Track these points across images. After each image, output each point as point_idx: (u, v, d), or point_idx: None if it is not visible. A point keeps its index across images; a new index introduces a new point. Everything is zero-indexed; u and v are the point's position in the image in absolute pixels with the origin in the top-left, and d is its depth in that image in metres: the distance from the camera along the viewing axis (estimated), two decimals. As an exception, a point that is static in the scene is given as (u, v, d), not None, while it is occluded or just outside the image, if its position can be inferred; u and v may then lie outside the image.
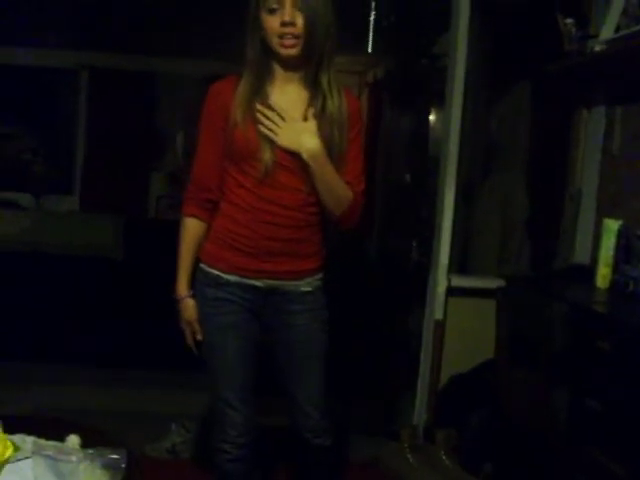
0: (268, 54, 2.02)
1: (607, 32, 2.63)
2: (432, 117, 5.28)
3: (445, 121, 3.37)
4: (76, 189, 6.37)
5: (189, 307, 2.14)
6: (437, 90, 3.75)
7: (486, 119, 3.84)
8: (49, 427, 1.84)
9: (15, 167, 6.27)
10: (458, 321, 3.27)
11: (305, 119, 2.02)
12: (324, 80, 2.02)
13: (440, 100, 3.59)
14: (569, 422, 2.22)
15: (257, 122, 2.00)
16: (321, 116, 2.01)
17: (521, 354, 2.61)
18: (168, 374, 3.96)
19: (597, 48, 2.65)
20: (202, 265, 2.13)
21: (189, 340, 2.15)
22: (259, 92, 2.03)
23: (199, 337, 2.13)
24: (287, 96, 2.05)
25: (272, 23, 1.96)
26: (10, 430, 1.70)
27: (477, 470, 2.85)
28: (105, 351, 4.41)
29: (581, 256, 3.02)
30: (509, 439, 2.64)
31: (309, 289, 2.13)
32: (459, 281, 3.29)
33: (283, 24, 1.94)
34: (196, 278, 2.14)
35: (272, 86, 2.05)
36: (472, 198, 3.75)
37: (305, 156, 1.98)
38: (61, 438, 1.74)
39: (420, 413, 3.36)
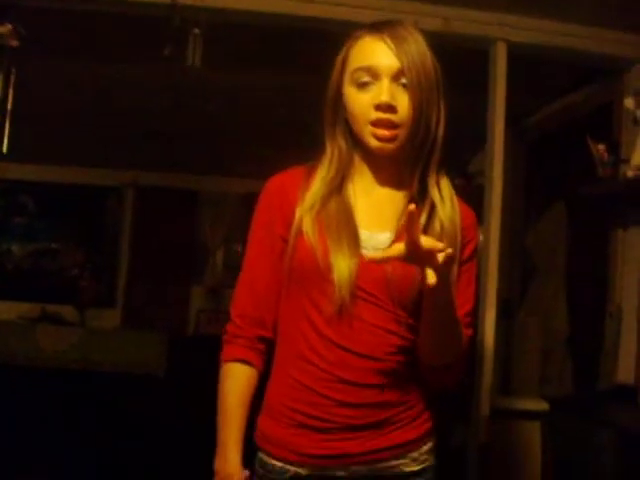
0: (352, 143, 1.48)
1: (638, 158, 2.72)
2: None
3: (484, 239, 3.41)
4: (118, 303, 6.50)
5: None
6: (473, 209, 3.83)
7: (523, 236, 3.90)
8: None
9: (61, 281, 6.42)
10: (503, 443, 3.22)
11: (396, 236, 1.41)
12: (431, 182, 1.45)
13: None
14: None
15: (329, 229, 1.41)
16: (426, 230, 1.42)
17: (569, 481, 2.57)
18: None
19: (629, 174, 2.73)
20: (259, 452, 1.48)
21: None
22: (337, 192, 1.45)
23: None
24: (375, 200, 1.48)
25: (362, 102, 1.40)
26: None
27: None
28: (156, 466, 4.40)
29: (624, 375, 2.99)
30: None
31: (415, 468, 1.48)
32: (503, 402, 3.25)
33: (378, 107, 1.38)
34: (254, 470, 1.48)
35: (355, 186, 1.48)
36: (512, 316, 3.76)
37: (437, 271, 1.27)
38: None
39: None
